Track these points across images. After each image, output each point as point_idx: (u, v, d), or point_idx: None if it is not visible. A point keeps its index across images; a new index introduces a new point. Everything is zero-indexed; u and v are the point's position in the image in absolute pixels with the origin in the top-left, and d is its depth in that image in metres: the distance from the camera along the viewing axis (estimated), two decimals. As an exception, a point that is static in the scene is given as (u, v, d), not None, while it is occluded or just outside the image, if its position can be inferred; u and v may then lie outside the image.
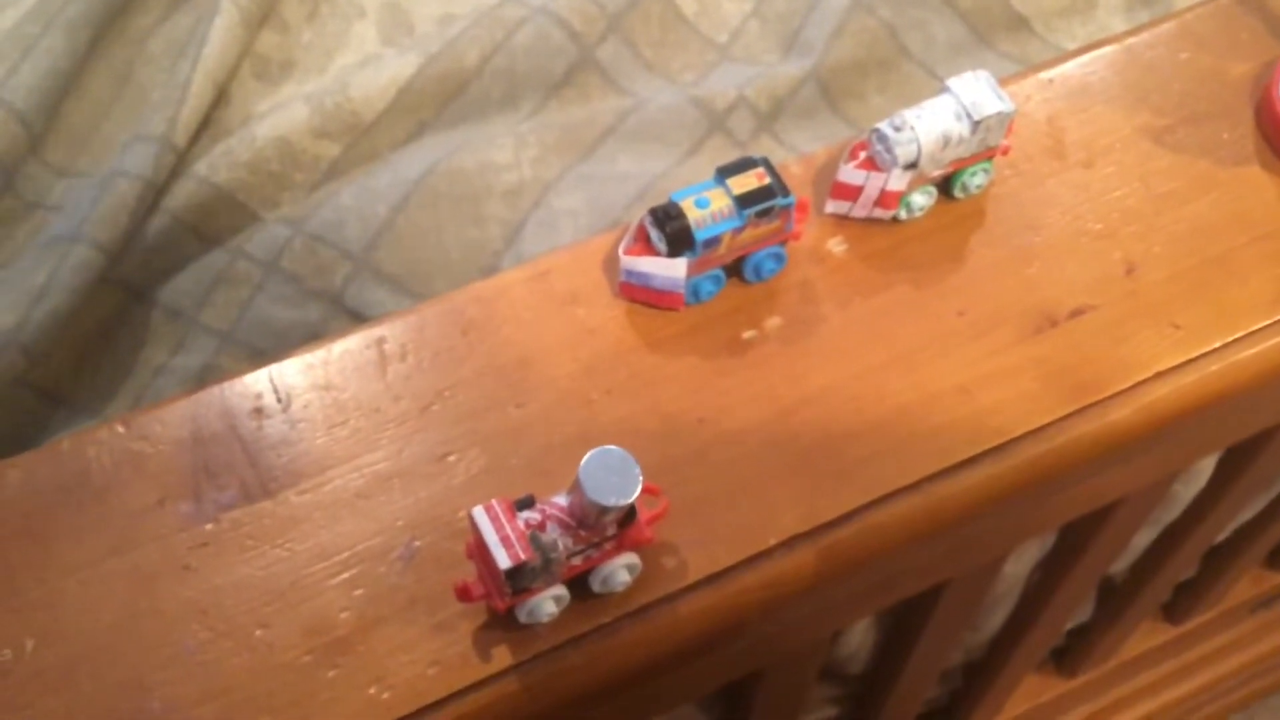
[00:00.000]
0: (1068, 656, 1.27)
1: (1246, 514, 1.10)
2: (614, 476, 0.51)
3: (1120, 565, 1.07)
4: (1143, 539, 1.01)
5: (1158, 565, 1.05)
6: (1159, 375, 0.61)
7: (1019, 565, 0.92)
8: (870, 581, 0.65)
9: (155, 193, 0.74)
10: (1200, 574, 1.23)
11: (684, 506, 0.58)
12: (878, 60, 0.82)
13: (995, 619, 1.01)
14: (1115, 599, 1.14)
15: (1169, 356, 0.62)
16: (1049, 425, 0.60)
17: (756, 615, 0.57)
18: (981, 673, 1.12)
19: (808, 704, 1.03)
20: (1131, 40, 0.73)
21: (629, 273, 0.62)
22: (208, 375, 0.71)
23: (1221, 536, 1.10)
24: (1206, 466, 0.91)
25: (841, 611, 0.71)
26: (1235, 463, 0.89)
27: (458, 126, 0.79)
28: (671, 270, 0.61)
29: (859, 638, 0.89)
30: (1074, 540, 0.86)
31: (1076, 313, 0.63)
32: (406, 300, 0.72)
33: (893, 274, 0.64)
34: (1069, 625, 1.17)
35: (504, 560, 0.51)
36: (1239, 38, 0.73)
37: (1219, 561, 1.19)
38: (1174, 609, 1.31)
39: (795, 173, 0.68)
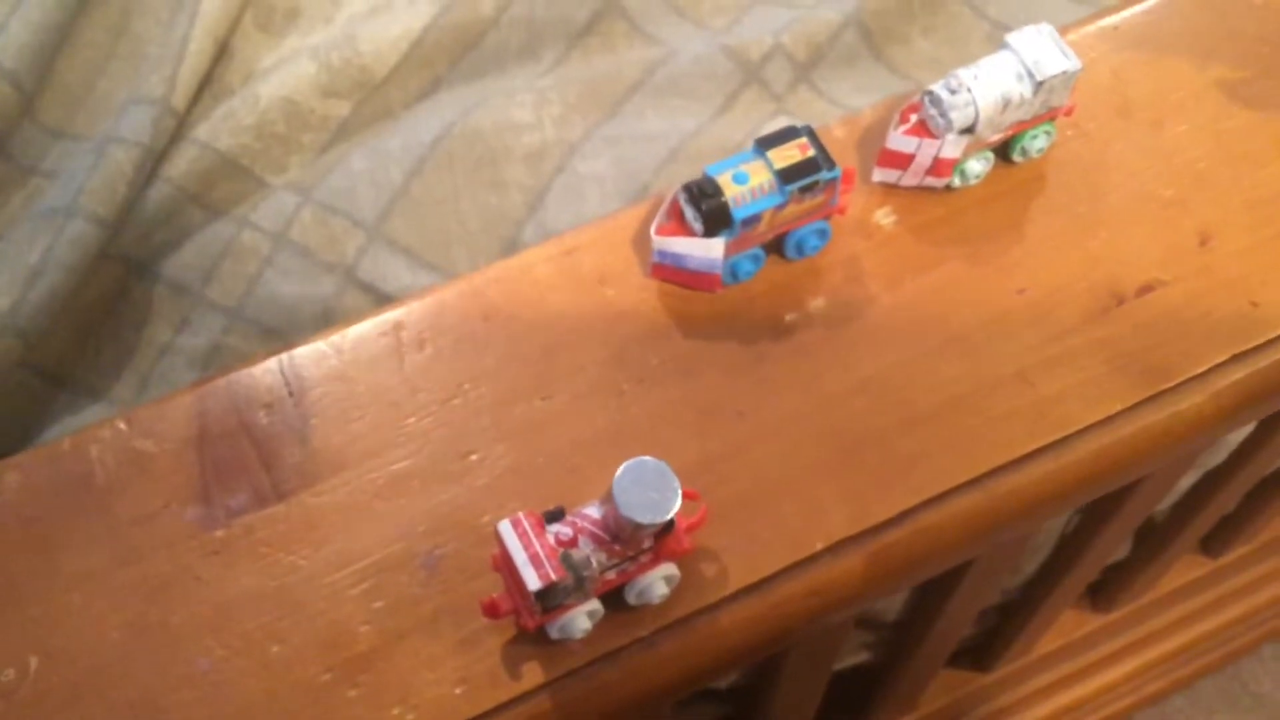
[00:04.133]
0: (1103, 592, 1.25)
1: (1292, 451, 1.07)
2: (650, 491, 0.47)
3: (1161, 506, 1.03)
4: (1185, 481, 0.98)
5: (1199, 506, 1.02)
6: (1235, 358, 0.57)
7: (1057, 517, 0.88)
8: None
9: (154, 160, 0.70)
10: (1241, 509, 1.20)
11: (724, 508, 0.54)
12: (923, 0, 0.76)
13: (1032, 564, 0.98)
14: (1155, 538, 1.11)
15: (1246, 337, 0.57)
16: (1117, 415, 0.56)
17: (802, 624, 0.54)
18: (1017, 612, 1.09)
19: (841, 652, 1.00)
20: (1202, -18, 0.67)
21: (662, 253, 0.58)
22: (215, 355, 0.68)
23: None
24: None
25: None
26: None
27: (474, 81, 0.74)
28: (708, 251, 0.56)
29: (894, 590, 0.86)
30: (1113, 494, 0.83)
31: (1145, 289, 0.58)
32: (423, 272, 0.68)
33: (946, 248, 0.60)
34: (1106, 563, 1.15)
35: (534, 581, 0.47)
36: (1319, -24, 0.67)
37: (1261, 498, 1.16)
38: (1212, 543, 1.28)
39: (838, 136, 0.63)
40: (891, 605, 0.90)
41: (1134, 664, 1.34)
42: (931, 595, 0.84)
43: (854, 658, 1.04)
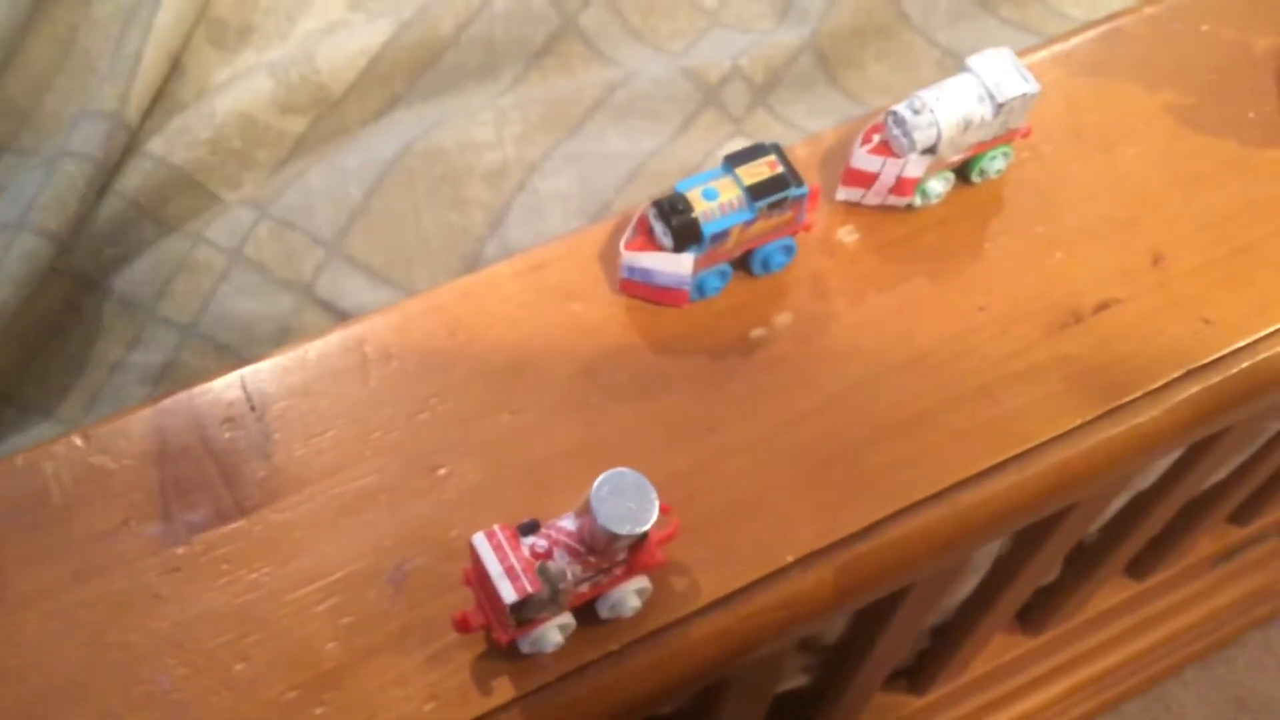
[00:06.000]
0: (1033, 615, 1.26)
1: (1219, 475, 1.09)
2: (629, 502, 0.47)
3: (1091, 528, 1.05)
4: (1115, 504, 0.99)
5: (1128, 528, 1.04)
6: (1189, 374, 0.58)
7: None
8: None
9: (106, 174, 0.68)
10: (1167, 532, 1.22)
11: (694, 523, 0.54)
12: (876, 27, 0.77)
13: (968, 586, 0.99)
14: (1083, 560, 1.12)
15: (1199, 354, 0.58)
16: (1076, 429, 0.57)
17: (773, 636, 0.54)
18: (951, 635, 1.10)
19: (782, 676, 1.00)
20: (1150, 11, 0.69)
21: (630, 269, 0.58)
22: (169, 372, 0.66)
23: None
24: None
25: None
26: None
27: (432, 99, 0.74)
28: (677, 266, 0.57)
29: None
30: (1050, 514, 0.84)
31: (1102, 306, 0.60)
32: (383, 289, 0.67)
33: (908, 265, 0.61)
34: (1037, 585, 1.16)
35: (509, 594, 0.47)
36: (1260, 8, 0.69)
37: (1187, 521, 1.18)
38: (1137, 566, 1.30)
39: (801, 155, 0.64)
40: (832, 628, 0.91)
41: (1062, 686, 1.36)
42: (872, 617, 0.85)
43: (793, 681, 1.04)
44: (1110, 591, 1.30)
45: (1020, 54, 0.67)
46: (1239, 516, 1.30)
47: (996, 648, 1.26)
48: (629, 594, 0.51)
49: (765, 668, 0.72)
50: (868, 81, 0.77)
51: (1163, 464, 0.92)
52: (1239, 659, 1.50)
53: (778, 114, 0.74)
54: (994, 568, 0.95)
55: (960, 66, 0.61)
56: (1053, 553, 0.92)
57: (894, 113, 0.59)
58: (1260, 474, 1.07)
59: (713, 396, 0.57)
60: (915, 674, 1.19)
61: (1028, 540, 0.88)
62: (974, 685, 1.27)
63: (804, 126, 0.74)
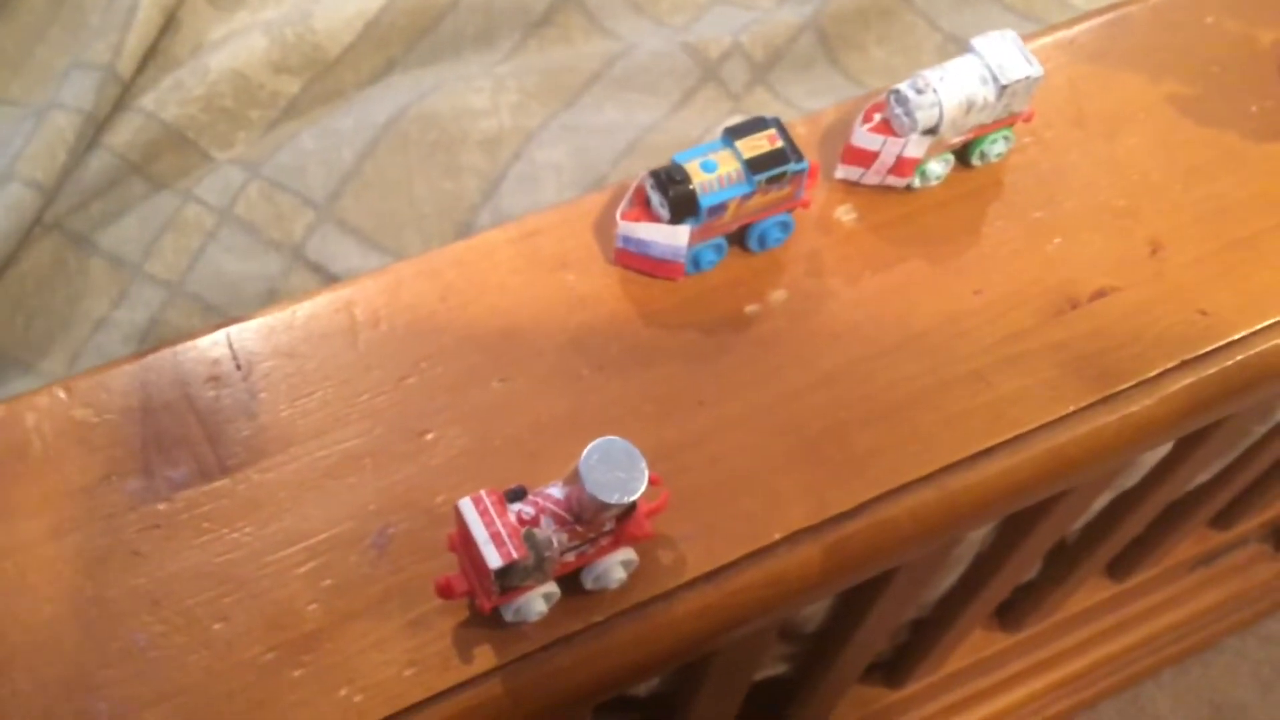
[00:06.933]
0: (1012, 612, 1.27)
1: (1202, 477, 1.09)
2: (618, 471, 0.47)
3: (1072, 526, 1.05)
4: (1098, 502, 0.99)
5: (1110, 528, 1.04)
6: (1184, 364, 0.58)
7: (976, 531, 0.89)
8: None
9: (96, 127, 0.67)
10: (1147, 534, 1.22)
11: (682, 497, 0.53)
12: (880, 9, 0.77)
13: (949, 580, 0.99)
14: (1064, 558, 1.12)
15: (1195, 345, 0.58)
16: (1069, 416, 0.56)
17: (758, 613, 0.54)
18: (929, 629, 1.10)
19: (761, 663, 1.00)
20: (1154, 1, 0.68)
21: (626, 239, 0.57)
22: (154, 330, 0.65)
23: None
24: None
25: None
26: (1198, 431, 0.86)
27: (429, 66, 0.73)
28: (673, 238, 0.56)
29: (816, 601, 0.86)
30: (1033, 507, 0.84)
31: (1099, 294, 0.59)
32: (373, 254, 0.66)
33: (905, 247, 0.60)
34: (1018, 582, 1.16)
35: (494, 559, 0.46)
36: (1265, 1, 0.69)
37: (1168, 523, 1.19)
38: (1117, 566, 1.30)
39: (800, 133, 0.63)
40: (812, 616, 0.90)
41: (1039, 684, 1.36)
42: (854, 604, 0.85)
43: (772, 669, 1.04)
44: (1090, 591, 1.30)
45: (1023, 40, 0.66)
46: (1220, 521, 1.30)
47: (974, 643, 1.26)
48: (615, 565, 0.51)
49: (748, 647, 0.72)
50: (868, 63, 0.77)
51: (1148, 462, 0.92)
52: (1215, 663, 1.50)
53: (777, 92, 0.74)
54: (975, 562, 0.95)
55: (962, 52, 0.60)
56: (1035, 548, 0.92)
57: (896, 91, 0.58)
58: (1242, 479, 1.07)
59: (704, 371, 0.57)
60: (893, 667, 1.19)
61: (1010, 534, 0.88)
62: (951, 680, 1.27)
63: (803, 106, 0.74)
